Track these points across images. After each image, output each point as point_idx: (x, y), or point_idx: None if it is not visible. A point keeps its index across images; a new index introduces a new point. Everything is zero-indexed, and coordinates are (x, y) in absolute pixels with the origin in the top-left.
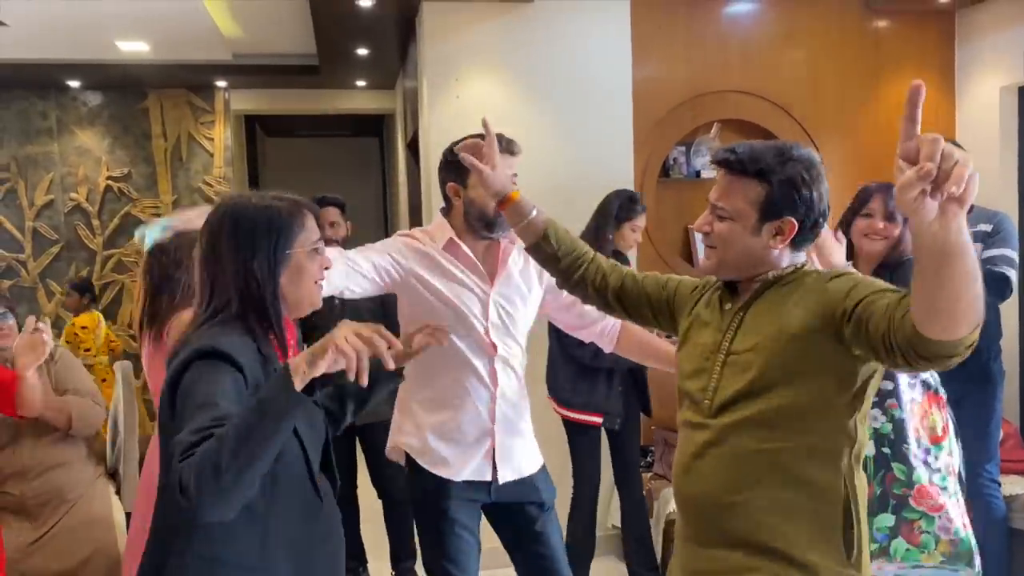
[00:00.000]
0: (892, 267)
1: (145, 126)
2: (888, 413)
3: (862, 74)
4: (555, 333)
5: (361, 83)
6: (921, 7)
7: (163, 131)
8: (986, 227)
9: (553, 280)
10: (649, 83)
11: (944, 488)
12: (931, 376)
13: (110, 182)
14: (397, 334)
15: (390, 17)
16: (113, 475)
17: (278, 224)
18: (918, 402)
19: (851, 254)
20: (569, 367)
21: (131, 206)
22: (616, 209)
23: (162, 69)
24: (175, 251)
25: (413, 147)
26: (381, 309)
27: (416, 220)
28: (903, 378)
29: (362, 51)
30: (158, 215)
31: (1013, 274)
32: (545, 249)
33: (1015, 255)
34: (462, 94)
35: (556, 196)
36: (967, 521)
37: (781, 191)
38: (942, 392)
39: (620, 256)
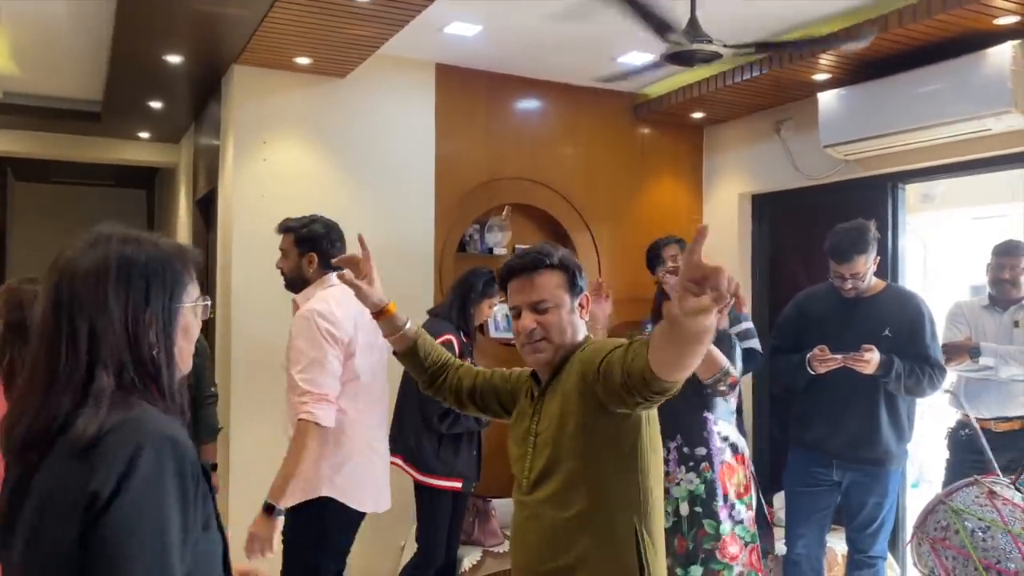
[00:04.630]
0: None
1: None
2: (702, 476)
3: (629, 171)
4: (416, 403)
5: (144, 135)
6: (677, 120)
7: None
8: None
9: None
10: (450, 164)
11: (743, 538)
12: (738, 439)
13: None
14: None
15: (194, 74)
16: None
17: (172, 272)
18: (727, 462)
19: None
20: (432, 435)
21: None
22: (482, 286)
23: None
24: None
25: (203, 204)
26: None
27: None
28: (715, 442)
29: (154, 104)
30: None
31: (757, 343)
32: (414, 357)
33: (752, 325)
34: (270, 157)
35: None
36: (757, 564)
37: (576, 272)
38: (745, 452)
39: (481, 328)
